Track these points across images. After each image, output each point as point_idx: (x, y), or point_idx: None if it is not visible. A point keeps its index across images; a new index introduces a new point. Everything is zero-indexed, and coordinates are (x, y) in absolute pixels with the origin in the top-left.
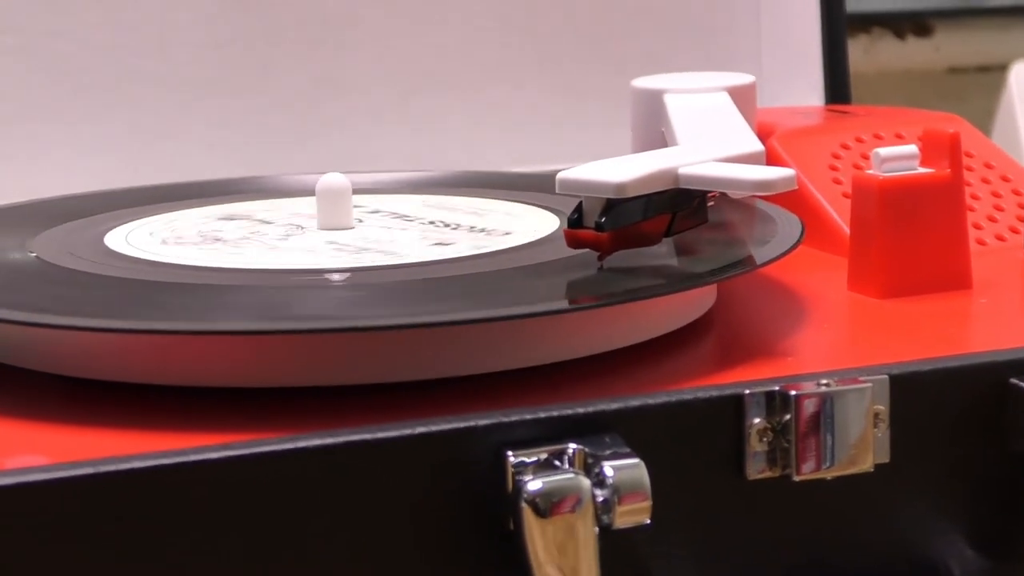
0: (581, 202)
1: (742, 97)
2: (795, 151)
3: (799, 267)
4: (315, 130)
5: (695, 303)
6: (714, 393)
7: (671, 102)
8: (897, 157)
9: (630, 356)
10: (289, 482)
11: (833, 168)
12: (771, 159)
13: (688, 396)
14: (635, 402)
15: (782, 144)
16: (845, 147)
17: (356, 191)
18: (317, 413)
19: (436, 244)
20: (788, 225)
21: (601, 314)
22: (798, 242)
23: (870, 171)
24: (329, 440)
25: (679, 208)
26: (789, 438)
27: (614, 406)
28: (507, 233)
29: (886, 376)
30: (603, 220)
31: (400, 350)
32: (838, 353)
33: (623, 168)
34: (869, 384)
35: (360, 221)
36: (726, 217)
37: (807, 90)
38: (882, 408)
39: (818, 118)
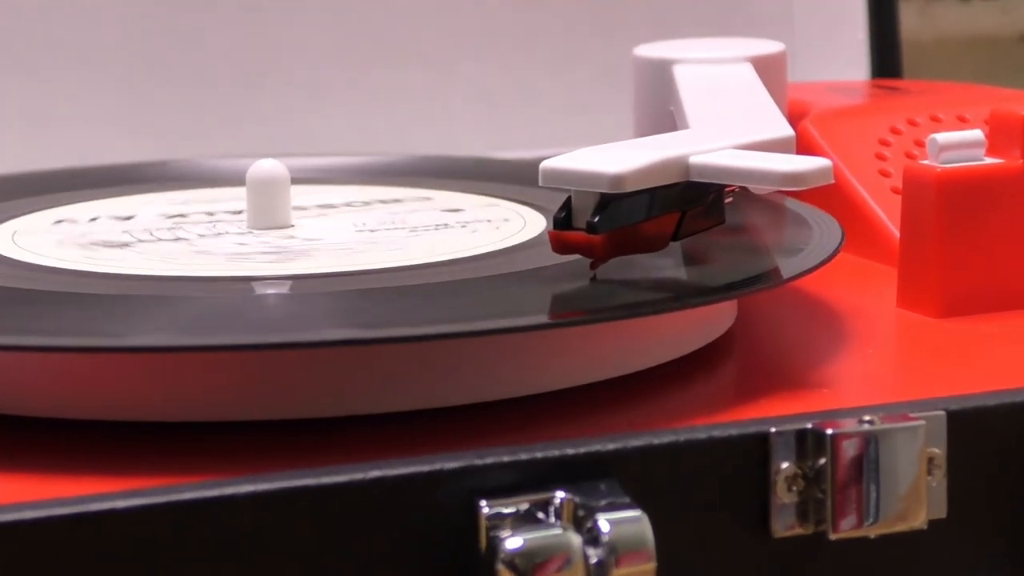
0: (570, 197)
1: (769, 69)
2: (834, 136)
3: (838, 279)
4: (249, 109)
5: (710, 322)
6: (733, 432)
7: (682, 75)
8: (959, 144)
9: (630, 386)
10: (213, 537)
11: (880, 157)
12: (803, 146)
13: (701, 435)
14: (636, 441)
15: (818, 127)
16: (895, 132)
17: (296, 181)
18: (245, 454)
19: (391, 248)
20: (824, 229)
21: (594, 333)
22: (836, 250)
23: (925, 161)
24: (262, 486)
25: (690, 206)
26: (824, 487)
27: (611, 446)
28: (478, 234)
29: (943, 412)
30: (596, 220)
31: (345, 375)
32: (885, 384)
33: (621, 156)
34: (922, 422)
35: (300, 218)
36: (748, 218)
37: (849, 61)
38: (938, 452)
39: (862, 96)
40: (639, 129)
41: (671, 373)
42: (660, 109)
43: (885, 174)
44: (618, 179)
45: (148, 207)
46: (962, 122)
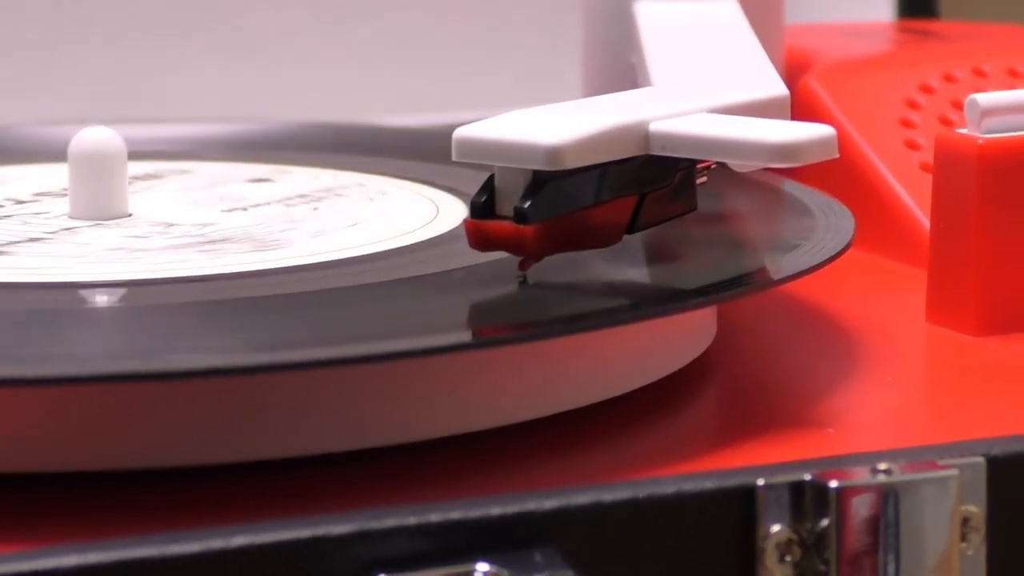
0: (492, 176)
1: (761, 7)
2: (845, 96)
3: (848, 284)
4: (61, 58)
5: (679, 340)
6: (709, 484)
7: (645, 15)
8: (1007, 107)
9: (575, 425)
10: None
11: (907, 124)
12: (806, 108)
13: (667, 489)
14: (583, 498)
15: (825, 84)
16: (926, 90)
17: (133, 156)
18: (69, 515)
19: (260, 246)
20: (831, 217)
21: (524, 356)
22: (847, 245)
23: (963, 130)
24: (91, 558)
25: (651, 187)
26: (827, 557)
27: (549, 504)
28: (371, 226)
29: (982, 459)
30: (527, 205)
31: (200, 415)
32: (907, 422)
33: (560, 122)
34: (955, 472)
35: (141, 205)
36: (729, 203)
37: None
38: (975, 510)
39: (885, 42)
40: (589, 86)
41: (628, 408)
42: (616, 60)
43: (913, 146)
44: (555, 152)
45: None
46: (1013, 77)
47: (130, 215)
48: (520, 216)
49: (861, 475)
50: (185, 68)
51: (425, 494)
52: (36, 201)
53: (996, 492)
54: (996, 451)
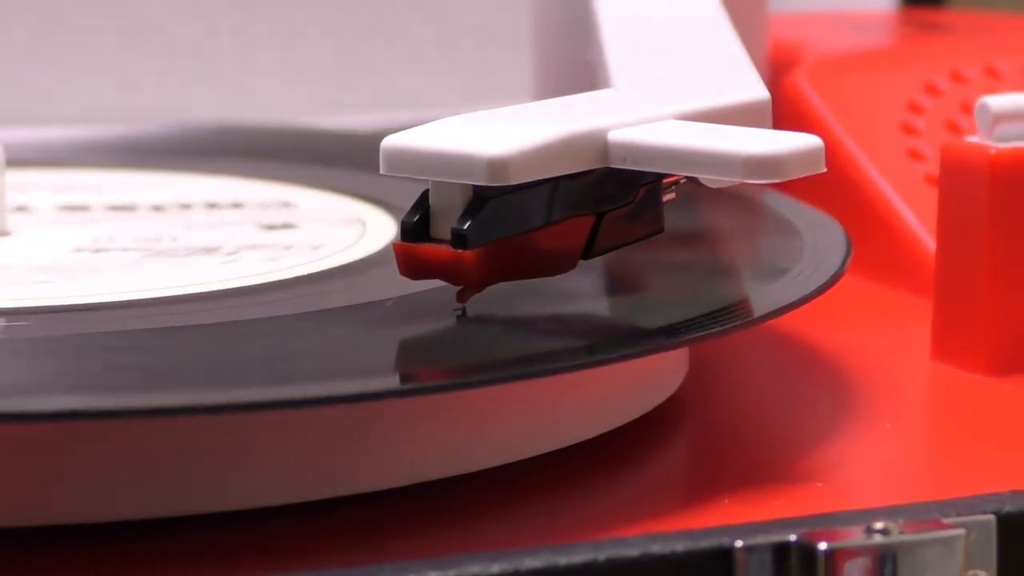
0: (426, 192)
1: None
2: (838, 97)
3: (842, 315)
4: None
5: (645, 384)
6: (680, 546)
7: (605, 5)
8: (1023, 112)
9: (524, 479)
10: None
11: (909, 130)
12: (793, 112)
13: (631, 551)
14: (534, 561)
15: (815, 83)
16: (932, 91)
17: (13, 163)
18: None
19: (153, 265)
20: (822, 239)
21: (464, 403)
22: (840, 271)
23: (973, 138)
24: None
25: (610, 206)
26: None
27: (496, 568)
28: (286, 247)
29: (992, 517)
30: (467, 227)
31: (90, 463)
32: (907, 475)
33: (505, 130)
34: (962, 531)
35: (24, 223)
36: (704, 222)
37: None
38: (984, 575)
39: (884, 35)
40: (541, 86)
41: (586, 459)
42: (572, 57)
43: (916, 156)
44: (500, 165)
45: None
46: None
47: (8, 234)
48: (458, 239)
49: (854, 536)
50: (62, 62)
51: (351, 557)
52: None
53: (1008, 554)
54: (1008, 508)
